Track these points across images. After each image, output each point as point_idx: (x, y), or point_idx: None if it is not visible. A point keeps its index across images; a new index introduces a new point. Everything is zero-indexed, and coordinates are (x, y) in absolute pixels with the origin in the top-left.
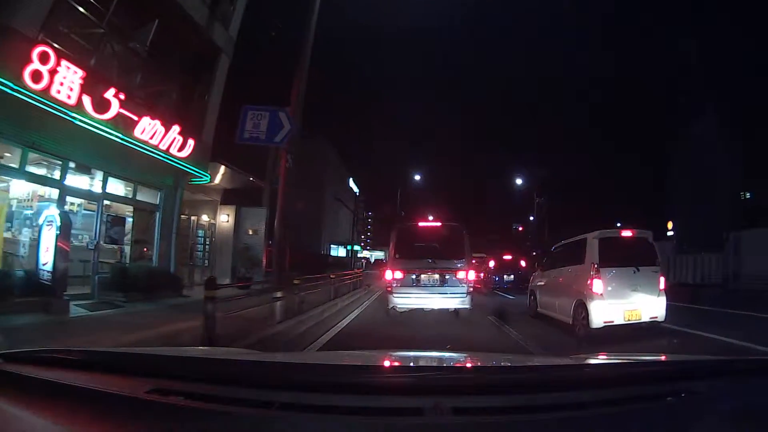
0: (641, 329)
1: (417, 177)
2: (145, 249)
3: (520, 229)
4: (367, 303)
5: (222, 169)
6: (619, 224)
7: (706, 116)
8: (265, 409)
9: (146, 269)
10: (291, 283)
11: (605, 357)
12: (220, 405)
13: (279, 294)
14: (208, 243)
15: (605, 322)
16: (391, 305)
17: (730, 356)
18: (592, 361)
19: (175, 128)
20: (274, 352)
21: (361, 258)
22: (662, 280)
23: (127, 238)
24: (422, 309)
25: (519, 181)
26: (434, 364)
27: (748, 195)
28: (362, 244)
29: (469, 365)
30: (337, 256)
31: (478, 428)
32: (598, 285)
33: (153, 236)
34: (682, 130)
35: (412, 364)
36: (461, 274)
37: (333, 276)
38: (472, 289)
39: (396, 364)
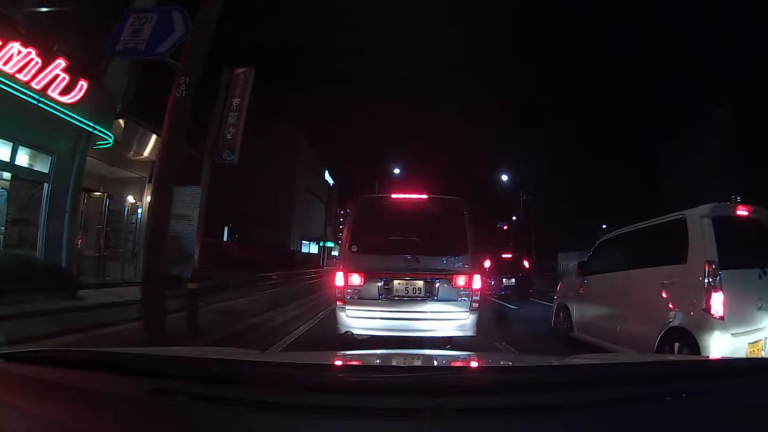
0: None
1: (397, 170)
2: (23, 232)
3: (505, 228)
4: (323, 313)
5: (153, 138)
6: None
7: (703, 116)
8: (265, 409)
9: (18, 260)
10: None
11: (606, 357)
12: (220, 405)
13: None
14: (132, 230)
15: None
16: (343, 329)
17: (730, 357)
18: (594, 362)
19: (59, 63)
20: (273, 352)
21: (334, 256)
22: None
23: (3, 217)
24: (395, 336)
25: (504, 177)
26: (435, 364)
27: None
28: (339, 241)
29: (469, 365)
30: (307, 253)
31: (479, 429)
32: (717, 301)
33: (39, 216)
34: (682, 131)
35: (412, 364)
36: (461, 280)
37: (276, 276)
38: (477, 304)
39: (396, 364)
